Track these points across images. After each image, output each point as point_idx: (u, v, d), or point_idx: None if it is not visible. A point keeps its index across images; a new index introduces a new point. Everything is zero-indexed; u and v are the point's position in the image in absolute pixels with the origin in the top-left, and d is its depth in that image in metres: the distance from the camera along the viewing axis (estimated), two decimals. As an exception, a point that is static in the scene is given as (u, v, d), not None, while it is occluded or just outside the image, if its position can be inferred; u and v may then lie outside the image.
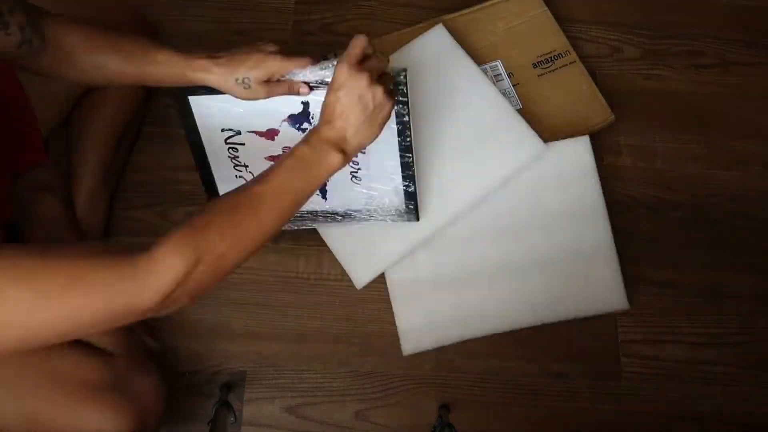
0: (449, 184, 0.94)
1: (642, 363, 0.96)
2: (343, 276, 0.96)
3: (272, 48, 0.69)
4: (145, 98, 0.99)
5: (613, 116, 1.04)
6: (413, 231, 0.92)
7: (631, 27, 1.16)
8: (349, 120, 0.62)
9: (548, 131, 1.01)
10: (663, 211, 1.04)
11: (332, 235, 0.94)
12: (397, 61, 0.99)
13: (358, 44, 0.63)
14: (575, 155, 0.97)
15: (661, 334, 0.97)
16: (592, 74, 1.08)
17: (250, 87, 0.68)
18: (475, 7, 1.09)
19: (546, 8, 1.10)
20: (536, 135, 0.96)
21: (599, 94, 1.05)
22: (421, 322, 0.92)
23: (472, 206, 0.94)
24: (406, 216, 0.89)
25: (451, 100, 0.97)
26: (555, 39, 1.09)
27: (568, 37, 1.09)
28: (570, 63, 1.07)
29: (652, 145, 1.08)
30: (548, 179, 0.96)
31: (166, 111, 1.03)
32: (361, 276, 0.93)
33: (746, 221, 1.05)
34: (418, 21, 1.09)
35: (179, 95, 0.76)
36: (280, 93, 0.70)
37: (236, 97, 0.69)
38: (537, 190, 0.96)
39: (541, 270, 0.93)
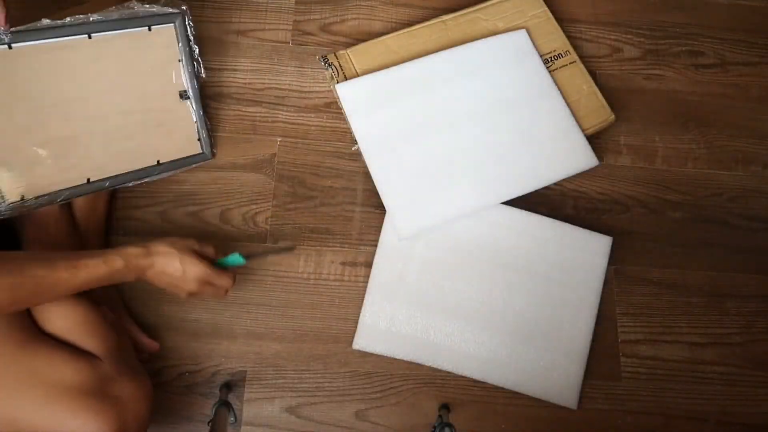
0: (501, 171, 0.98)
1: (642, 363, 0.96)
2: (343, 276, 0.96)
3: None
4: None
5: (613, 116, 1.05)
6: (463, 199, 0.96)
7: (631, 27, 1.16)
8: (164, 283, 0.75)
9: (548, 131, 1.01)
10: (663, 211, 1.04)
11: (384, 182, 0.96)
12: (473, 49, 1.05)
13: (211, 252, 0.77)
14: (592, 250, 0.97)
15: (661, 334, 0.97)
16: (592, 74, 1.08)
17: None
18: (476, 7, 1.09)
19: (546, 8, 1.10)
20: (592, 150, 1.01)
21: (599, 94, 1.05)
22: (383, 326, 0.92)
23: (515, 196, 0.98)
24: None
25: (520, 98, 1.02)
26: (555, 39, 1.09)
27: (568, 37, 1.09)
28: (570, 63, 1.07)
29: (652, 145, 1.08)
30: (558, 260, 0.96)
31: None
32: (404, 228, 0.94)
33: (746, 221, 1.05)
34: (418, 21, 1.09)
35: None
36: None
37: None
38: (543, 262, 0.96)
39: (513, 336, 0.93)
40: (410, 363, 0.92)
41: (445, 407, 0.91)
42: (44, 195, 0.78)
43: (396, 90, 1.00)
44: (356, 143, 0.99)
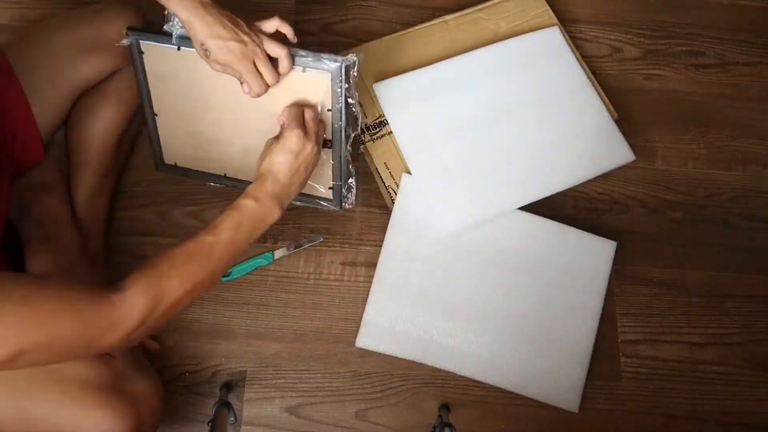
0: (540, 168, 0.99)
1: (642, 363, 0.96)
2: (343, 276, 0.96)
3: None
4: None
5: (615, 115, 1.05)
6: (504, 195, 0.96)
7: (631, 27, 1.16)
8: (295, 180, 0.72)
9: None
10: (663, 211, 1.04)
11: (423, 178, 0.96)
12: (508, 47, 1.05)
13: (312, 114, 0.73)
14: (596, 254, 0.97)
15: (661, 334, 0.97)
16: (593, 74, 1.08)
17: (208, 57, 0.70)
18: (477, 7, 1.09)
19: (548, 7, 1.10)
20: (628, 145, 1.02)
21: (602, 94, 1.05)
22: (386, 325, 0.92)
23: (555, 192, 0.99)
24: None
25: (555, 94, 1.03)
26: (555, 39, 1.08)
27: (569, 36, 1.09)
28: (570, 63, 1.07)
29: (652, 145, 1.08)
30: (562, 263, 0.96)
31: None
32: (446, 224, 0.94)
33: (746, 221, 1.05)
34: (418, 21, 1.09)
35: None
36: (232, 75, 0.72)
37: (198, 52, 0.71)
38: (547, 265, 0.96)
39: (517, 338, 0.92)
40: (410, 363, 0.92)
41: (445, 407, 0.91)
42: (190, 169, 0.91)
43: (432, 88, 1.01)
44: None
